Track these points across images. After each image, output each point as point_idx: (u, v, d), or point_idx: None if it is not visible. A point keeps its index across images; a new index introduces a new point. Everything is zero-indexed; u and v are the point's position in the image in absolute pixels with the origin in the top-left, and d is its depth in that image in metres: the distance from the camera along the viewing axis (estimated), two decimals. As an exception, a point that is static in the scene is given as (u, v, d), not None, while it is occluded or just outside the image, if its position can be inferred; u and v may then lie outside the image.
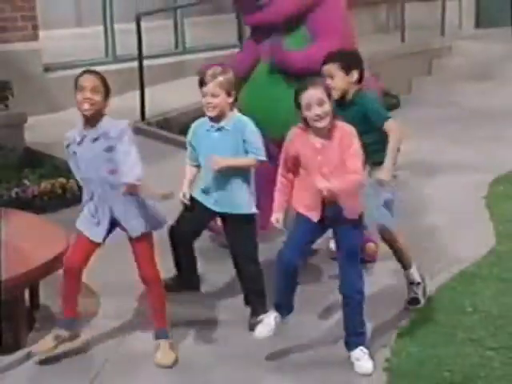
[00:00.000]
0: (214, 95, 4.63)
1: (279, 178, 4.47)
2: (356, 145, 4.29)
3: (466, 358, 4.45)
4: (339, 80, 4.84)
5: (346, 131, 4.31)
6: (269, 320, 4.48)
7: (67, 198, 6.70)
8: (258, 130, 4.78)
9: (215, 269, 5.49)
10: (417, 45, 11.07)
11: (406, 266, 5.09)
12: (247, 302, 4.90)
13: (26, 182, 6.64)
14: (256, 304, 4.82)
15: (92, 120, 4.26)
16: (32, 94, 8.12)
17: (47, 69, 8.82)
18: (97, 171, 4.28)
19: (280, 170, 4.46)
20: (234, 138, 4.69)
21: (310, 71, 4.96)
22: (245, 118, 4.75)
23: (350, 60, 4.94)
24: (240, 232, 4.77)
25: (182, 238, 4.88)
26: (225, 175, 4.68)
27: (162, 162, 7.31)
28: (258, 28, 5.80)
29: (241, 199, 4.72)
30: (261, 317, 4.50)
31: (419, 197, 6.97)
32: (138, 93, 8.53)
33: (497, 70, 10.64)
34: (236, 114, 4.76)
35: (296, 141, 4.35)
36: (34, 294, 4.90)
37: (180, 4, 10.16)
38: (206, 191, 4.78)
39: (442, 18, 11.41)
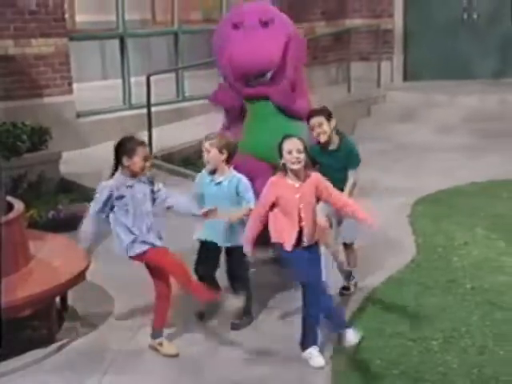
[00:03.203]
0: (207, 151, 4.61)
1: (256, 217, 4.28)
2: (329, 185, 4.29)
3: (392, 348, 4.41)
4: (326, 126, 4.91)
5: (317, 177, 4.27)
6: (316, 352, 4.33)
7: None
8: (266, 158, 4.88)
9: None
10: (359, 94, 11.01)
11: (352, 265, 5.20)
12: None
13: (59, 206, 6.54)
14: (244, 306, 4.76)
15: None
16: (67, 135, 8.02)
17: (79, 115, 8.72)
18: None
19: (258, 211, 4.29)
20: (229, 191, 4.63)
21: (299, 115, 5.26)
22: (238, 175, 4.67)
23: (329, 112, 5.03)
24: (241, 259, 4.66)
25: (206, 275, 4.75)
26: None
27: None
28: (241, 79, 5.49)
29: (240, 235, 4.57)
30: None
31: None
32: (147, 133, 8.44)
33: (418, 114, 10.59)
34: (232, 171, 4.68)
35: (275, 187, 4.22)
36: (64, 299, 4.82)
37: (183, 65, 10.00)
38: (214, 233, 4.68)
39: (378, 74, 11.36)
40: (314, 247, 4.30)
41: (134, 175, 4.32)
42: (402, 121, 10.51)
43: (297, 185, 4.19)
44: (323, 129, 4.91)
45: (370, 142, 9.91)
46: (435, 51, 11.72)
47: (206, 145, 4.62)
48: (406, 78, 12.07)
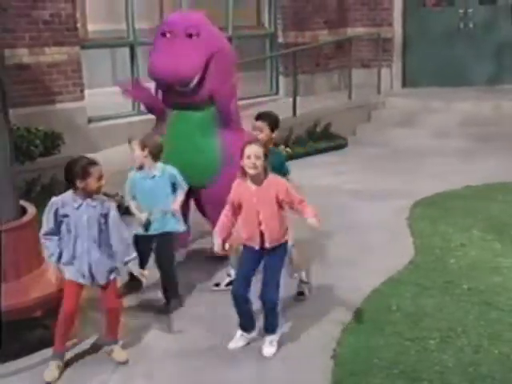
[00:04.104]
0: (133, 150, 4.89)
1: (222, 218, 4.28)
2: (288, 186, 4.23)
3: (390, 347, 4.37)
4: (265, 135, 4.87)
5: (277, 181, 4.23)
6: (236, 337, 4.39)
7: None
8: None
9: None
10: (360, 100, 10.96)
11: (298, 270, 5.15)
12: (165, 291, 4.98)
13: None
14: (170, 294, 4.96)
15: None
16: (78, 140, 8.00)
17: (90, 120, 8.69)
18: None
19: (225, 212, 4.28)
20: (164, 182, 4.89)
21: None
22: (168, 167, 4.92)
23: (276, 121, 5.00)
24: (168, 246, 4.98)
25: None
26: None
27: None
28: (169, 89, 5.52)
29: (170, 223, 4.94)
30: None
31: (359, 218, 6.88)
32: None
33: (416, 119, 10.56)
34: (160, 164, 4.90)
35: (237, 188, 4.24)
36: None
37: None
38: (147, 225, 4.89)
39: (378, 81, 11.32)
40: (276, 249, 4.26)
41: (88, 196, 4.07)
42: (400, 126, 10.48)
43: (253, 188, 4.18)
44: (261, 136, 4.84)
45: (370, 146, 9.93)
46: (433, 59, 11.69)
47: (132, 144, 4.88)
48: (404, 84, 12.04)
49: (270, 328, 4.35)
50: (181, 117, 5.51)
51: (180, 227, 5.01)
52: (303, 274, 5.17)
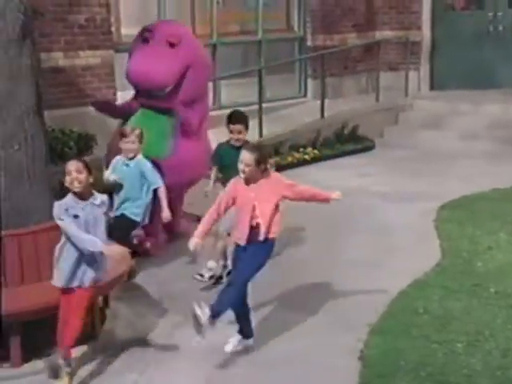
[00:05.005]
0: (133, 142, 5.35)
1: (211, 211, 4.27)
2: (288, 182, 4.34)
3: (418, 349, 4.32)
4: (244, 135, 5.30)
5: (277, 177, 4.34)
6: (233, 340, 4.35)
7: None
8: None
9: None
10: (387, 103, 10.85)
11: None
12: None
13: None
14: None
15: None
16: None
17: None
18: None
19: (215, 206, 4.27)
20: (135, 171, 5.32)
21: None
22: (144, 160, 5.34)
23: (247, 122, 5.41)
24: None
25: None
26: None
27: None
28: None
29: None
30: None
31: (386, 220, 6.81)
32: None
33: (444, 122, 10.41)
34: (140, 156, 5.34)
35: (235, 185, 4.29)
36: (106, 298, 4.80)
37: (220, 76, 9.91)
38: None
39: (406, 83, 11.21)
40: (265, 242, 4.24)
41: (80, 197, 3.92)
42: (428, 128, 10.35)
43: (251, 184, 4.23)
44: (243, 136, 5.28)
45: (398, 148, 9.83)
46: (461, 62, 11.53)
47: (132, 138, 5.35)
48: (432, 87, 11.89)
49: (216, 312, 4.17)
50: (146, 113, 5.79)
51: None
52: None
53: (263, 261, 4.25)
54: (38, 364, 4.18)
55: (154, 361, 4.27)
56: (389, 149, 9.85)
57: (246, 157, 4.20)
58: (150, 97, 5.76)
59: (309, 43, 10.94)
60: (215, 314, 4.07)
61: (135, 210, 5.33)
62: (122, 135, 5.38)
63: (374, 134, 10.27)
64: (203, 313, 4.02)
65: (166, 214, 5.31)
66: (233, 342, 4.34)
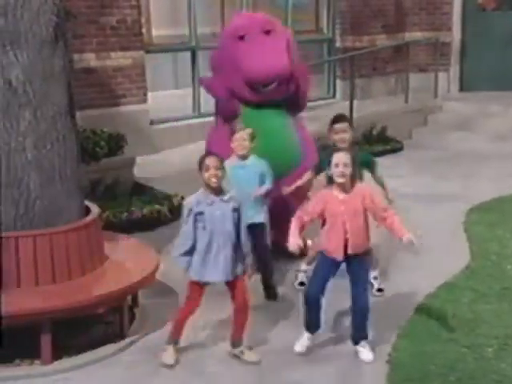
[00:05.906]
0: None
1: (299, 213, 4.15)
2: (377, 198, 4.13)
3: (447, 353, 4.23)
4: (350, 135, 4.87)
5: (364, 188, 4.13)
6: (303, 338, 4.28)
7: (161, 220, 6.58)
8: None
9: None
10: (416, 104, 10.74)
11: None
12: (265, 286, 5.03)
13: (132, 208, 6.55)
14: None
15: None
16: (141, 141, 8.02)
17: (152, 122, 8.72)
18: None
19: (299, 215, 4.13)
20: (254, 172, 4.89)
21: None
22: (260, 160, 4.93)
23: (351, 121, 5.14)
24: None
25: None
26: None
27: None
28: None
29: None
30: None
31: (414, 221, 6.63)
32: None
33: (473, 123, 10.27)
34: (253, 157, 4.94)
35: (323, 198, 4.13)
36: (135, 297, 4.79)
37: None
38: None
39: (435, 85, 11.06)
40: (360, 261, 4.14)
41: (214, 191, 3.99)
42: (457, 130, 10.22)
43: (341, 197, 4.06)
44: (348, 137, 4.84)
45: (426, 149, 9.72)
46: (491, 63, 11.36)
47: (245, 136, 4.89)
48: (462, 88, 11.73)
49: (363, 335, 4.22)
50: (264, 114, 5.39)
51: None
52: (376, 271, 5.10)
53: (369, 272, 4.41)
54: (68, 362, 4.19)
55: (180, 361, 4.24)
56: (417, 150, 9.74)
57: (343, 157, 3.99)
58: (264, 92, 5.36)
59: (338, 44, 10.87)
60: (363, 337, 4.20)
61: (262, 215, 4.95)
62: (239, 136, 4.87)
63: (402, 136, 10.16)
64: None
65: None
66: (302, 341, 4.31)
